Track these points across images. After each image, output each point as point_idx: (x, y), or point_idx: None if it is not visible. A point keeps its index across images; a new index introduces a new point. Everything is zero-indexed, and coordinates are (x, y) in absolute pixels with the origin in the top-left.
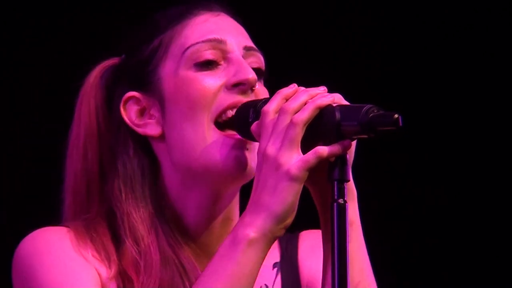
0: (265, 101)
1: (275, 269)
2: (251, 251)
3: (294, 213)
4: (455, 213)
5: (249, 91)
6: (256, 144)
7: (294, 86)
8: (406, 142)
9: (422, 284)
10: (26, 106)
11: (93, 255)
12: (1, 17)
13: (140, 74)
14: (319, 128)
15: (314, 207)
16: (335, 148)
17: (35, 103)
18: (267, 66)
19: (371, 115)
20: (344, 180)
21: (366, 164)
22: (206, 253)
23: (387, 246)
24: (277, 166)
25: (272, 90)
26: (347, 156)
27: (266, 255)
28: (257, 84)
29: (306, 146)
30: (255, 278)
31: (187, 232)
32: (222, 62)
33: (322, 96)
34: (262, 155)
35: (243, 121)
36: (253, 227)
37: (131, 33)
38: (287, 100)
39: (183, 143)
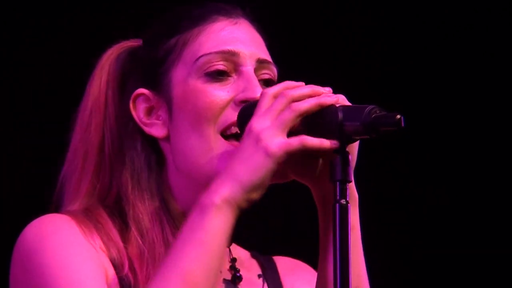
0: None
1: (261, 279)
2: (218, 218)
3: (262, 191)
4: (455, 213)
5: None
6: None
7: (300, 83)
8: (406, 142)
9: (422, 284)
10: (25, 105)
11: (100, 244)
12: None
13: (153, 72)
14: (322, 127)
15: (310, 208)
16: (321, 143)
17: (35, 102)
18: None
19: (373, 115)
20: (346, 180)
21: (366, 165)
22: None
23: (388, 247)
24: (257, 140)
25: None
26: (349, 157)
27: (233, 226)
28: None
29: None
30: (225, 248)
31: None
32: (233, 74)
33: (326, 96)
34: (248, 130)
35: (245, 121)
36: (218, 193)
37: (154, 22)
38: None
39: (188, 150)
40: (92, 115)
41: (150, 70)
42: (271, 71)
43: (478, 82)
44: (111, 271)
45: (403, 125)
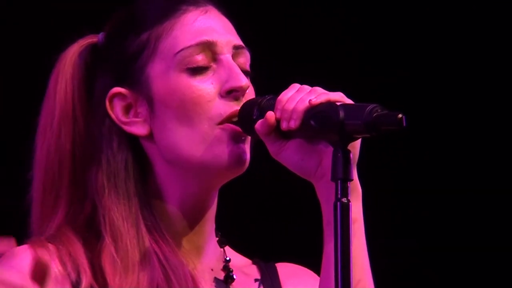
0: (269, 99)
1: (257, 282)
2: None
3: None
4: (455, 213)
5: (241, 97)
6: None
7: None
8: (407, 142)
9: (422, 283)
10: None
11: (59, 270)
12: None
13: (126, 69)
14: (323, 126)
15: (313, 206)
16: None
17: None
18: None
19: (375, 114)
20: (347, 179)
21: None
22: (195, 250)
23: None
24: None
25: (273, 90)
26: (351, 155)
27: None
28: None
29: (309, 143)
30: None
31: (175, 229)
32: (212, 64)
33: (330, 93)
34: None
35: (246, 119)
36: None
37: (116, 16)
38: None
39: (179, 142)
40: (61, 122)
41: (123, 67)
42: (247, 59)
43: (479, 82)
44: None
45: (404, 124)
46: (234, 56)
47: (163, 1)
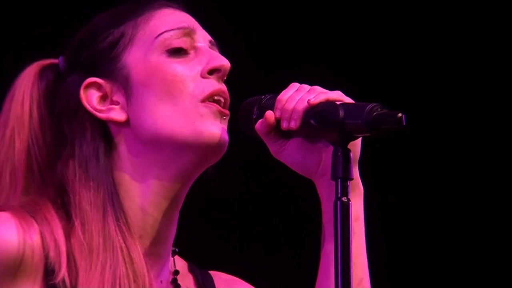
0: (270, 98)
1: None
2: None
3: None
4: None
5: (222, 80)
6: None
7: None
8: (407, 141)
9: (421, 283)
10: None
11: (38, 245)
12: None
13: (99, 62)
14: (323, 125)
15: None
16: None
17: None
18: None
19: (375, 113)
20: (347, 178)
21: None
22: (154, 254)
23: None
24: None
25: (272, 89)
26: (351, 154)
27: None
28: None
29: (309, 142)
30: None
31: (141, 224)
32: (191, 52)
33: (329, 92)
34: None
35: (247, 118)
36: None
37: (80, 31)
38: None
39: (159, 120)
40: (15, 130)
41: (96, 60)
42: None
43: (480, 82)
44: (52, 265)
45: (404, 123)
46: (209, 49)
47: (131, 5)
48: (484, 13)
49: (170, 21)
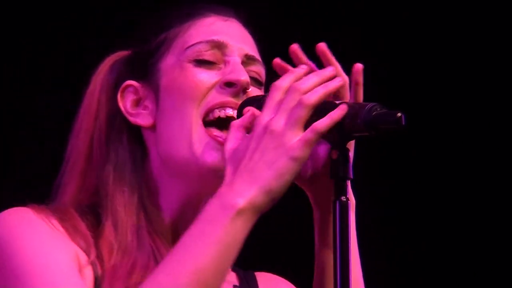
0: None
1: None
2: (239, 221)
3: (285, 191)
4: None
5: (241, 94)
6: None
7: (304, 67)
8: (407, 141)
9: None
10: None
11: (65, 234)
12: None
13: (142, 65)
14: None
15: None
16: (331, 118)
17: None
18: (267, 79)
19: (374, 113)
20: (346, 177)
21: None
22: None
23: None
24: (280, 143)
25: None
26: (350, 154)
27: (250, 229)
28: (250, 88)
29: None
30: (239, 251)
31: (165, 225)
32: (221, 64)
33: (331, 81)
34: (264, 127)
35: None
36: (244, 197)
37: (142, 25)
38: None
39: (170, 133)
40: (83, 121)
41: (140, 63)
42: (259, 70)
43: (480, 82)
44: (83, 257)
45: (403, 123)
46: (244, 63)
47: (186, 7)
48: (483, 13)
49: (204, 33)
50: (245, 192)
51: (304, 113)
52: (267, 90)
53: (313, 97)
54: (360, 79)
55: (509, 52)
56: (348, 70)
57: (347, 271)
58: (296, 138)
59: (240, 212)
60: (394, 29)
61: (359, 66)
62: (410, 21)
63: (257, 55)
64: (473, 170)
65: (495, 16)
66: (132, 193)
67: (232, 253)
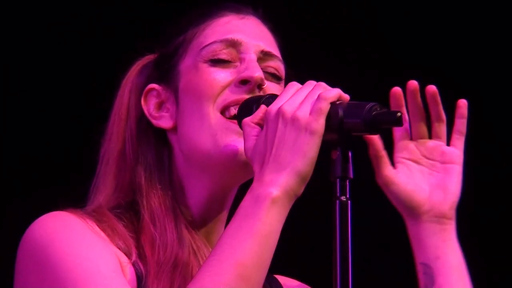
0: (269, 97)
1: None
2: (275, 210)
3: (313, 169)
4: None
5: (256, 90)
6: None
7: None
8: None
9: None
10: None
11: (104, 236)
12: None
13: (164, 67)
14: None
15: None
16: (336, 91)
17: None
18: (288, 74)
19: (374, 112)
20: (346, 177)
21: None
22: (210, 243)
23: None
24: (294, 120)
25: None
26: (350, 153)
27: (285, 217)
28: (266, 84)
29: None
30: (278, 238)
31: (195, 219)
32: (237, 62)
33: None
34: (277, 112)
35: (245, 116)
36: (276, 185)
37: (166, 29)
38: None
39: (190, 132)
40: (114, 124)
41: (161, 65)
42: (277, 66)
43: (480, 81)
44: (124, 258)
45: (403, 123)
46: (261, 61)
47: (203, 8)
48: (483, 12)
49: (219, 32)
50: (275, 181)
51: (325, 105)
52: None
53: (331, 94)
54: (465, 113)
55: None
56: (345, 68)
57: (347, 272)
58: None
59: (274, 201)
60: (393, 28)
61: (464, 102)
62: (410, 20)
63: (274, 51)
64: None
65: (494, 15)
66: (165, 191)
67: (271, 243)
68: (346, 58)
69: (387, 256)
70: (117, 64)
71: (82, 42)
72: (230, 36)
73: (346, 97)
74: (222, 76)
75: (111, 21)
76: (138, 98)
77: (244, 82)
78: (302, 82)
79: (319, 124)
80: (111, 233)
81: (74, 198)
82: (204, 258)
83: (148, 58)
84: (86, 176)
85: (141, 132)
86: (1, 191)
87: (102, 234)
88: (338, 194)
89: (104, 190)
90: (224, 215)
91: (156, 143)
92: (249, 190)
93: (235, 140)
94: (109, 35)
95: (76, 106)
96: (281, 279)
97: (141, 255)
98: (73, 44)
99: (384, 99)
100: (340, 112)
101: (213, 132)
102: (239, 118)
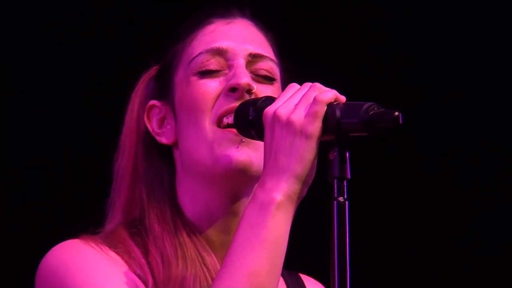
0: (265, 99)
1: None
2: (280, 215)
3: (314, 170)
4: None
5: (246, 96)
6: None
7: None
8: (404, 140)
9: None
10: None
11: (122, 263)
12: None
13: (161, 82)
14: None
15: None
16: (332, 92)
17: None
18: (283, 72)
19: (371, 112)
20: (344, 177)
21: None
22: (223, 253)
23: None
24: (290, 129)
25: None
26: (347, 154)
27: (291, 220)
28: (254, 88)
29: None
30: (287, 242)
31: (203, 233)
32: (226, 70)
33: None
34: (273, 116)
35: (243, 120)
36: (278, 191)
37: (165, 39)
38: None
39: (189, 145)
40: (126, 138)
41: (159, 79)
42: (268, 66)
43: (479, 81)
44: (140, 284)
45: (401, 122)
46: (250, 63)
47: (193, 17)
48: (482, 13)
49: (205, 42)
50: (276, 187)
51: (320, 108)
52: (284, 84)
53: (327, 96)
54: None
55: (509, 52)
56: (344, 69)
57: (345, 272)
58: (303, 115)
59: (278, 207)
60: (392, 28)
61: None
62: (410, 20)
63: (264, 52)
64: (473, 170)
65: (493, 16)
66: (163, 207)
67: (281, 249)
68: (345, 57)
69: (386, 256)
70: (117, 64)
71: (82, 42)
72: (215, 45)
73: (342, 98)
74: (212, 87)
75: (111, 21)
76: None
77: (232, 90)
78: (302, 79)
79: (315, 127)
80: (128, 259)
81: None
82: (214, 270)
83: (156, 69)
84: (86, 176)
85: (147, 147)
86: (1, 191)
87: (119, 260)
88: (335, 195)
89: (118, 206)
90: (235, 222)
91: (158, 159)
92: (252, 198)
93: (230, 149)
94: (109, 35)
95: (76, 106)
96: (307, 280)
97: (155, 279)
98: (73, 44)
99: (382, 99)
100: (338, 113)
101: (210, 144)
102: (236, 124)
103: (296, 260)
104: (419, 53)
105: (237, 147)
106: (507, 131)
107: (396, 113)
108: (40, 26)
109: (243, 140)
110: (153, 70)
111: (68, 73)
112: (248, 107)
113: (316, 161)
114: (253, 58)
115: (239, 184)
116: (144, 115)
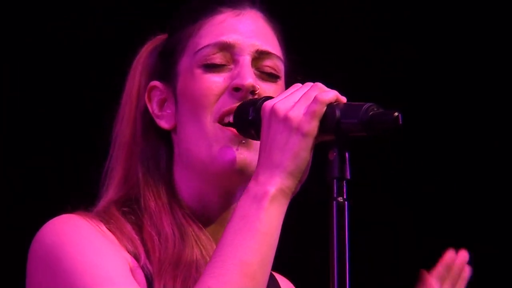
0: (265, 99)
1: None
2: (273, 207)
3: (309, 168)
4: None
5: (249, 96)
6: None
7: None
8: (404, 140)
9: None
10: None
11: (114, 238)
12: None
13: (165, 63)
14: (319, 125)
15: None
16: (332, 93)
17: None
18: (288, 70)
19: (371, 113)
20: (343, 178)
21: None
22: (215, 241)
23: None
24: (287, 125)
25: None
26: (346, 154)
27: (283, 214)
28: (258, 89)
29: None
30: (278, 235)
31: (198, 216)
32: (231, 65)
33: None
34: (270, 110)
35: (242, 120)
36: (271, 184)
37: (173, 15)
38: None
39: (188, 137)
40: (126, 106)
41: (162, 61)
42: (274, 64)
43: (479, 81)
44: (133, 261)
45: (401, 122)
46: (256, 60)
47: (203, 2)
48: (481, 13)
49: (213, 34)
50: (269, 180)
51: (320, 108)
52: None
53: (327, 95)
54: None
55: (508, 52)
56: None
57: (344, 273)
58: (302, 112)
59: (271, 200)
60: (392, 28)
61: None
62: (410, 20)
63: (271, 48)
64: (472, 170)
65: (493, 16)
66: (160, 188)
67: (273, 241)
68: (344, 56)
69: (385, 257)
70: (117, 64)
71: (82, 42)
72: (223, 39)
73: (343, 99)
74: (216, 83)
75: (111, 21)
76: (148, 81)
77: (236, 89)
78: (305, 73)
79: (311, 126)
80: (120, 235)
81: (77, 198)
82: (211, 250)
83: (160, 38)
84: (86, 176)
85: (145, 126)
86: (1, 191)
87: (111, 236)
88: (335, 195)
89: (114, 182)
90: (231, 209)
91: (156, 140)
92: (246, 190)
93: (229, 149)
94: (109, 35)
95: (76, 106)
96: (279, 277)
97: (149, 256)
98: (73, 44)
99: (381, 99)
100: (337, 113)
101: (209, 142)
102: (236, 123)
103: (296, 260)
104: (422, 46)
105: (237, 148)
106: (507, 131)
107: (396, 114)
108: (40, 26)
109: (243, 141)
110: (157, 39)
111: (68, 73)
112: (248, 107)
113: (311, 159)
114: (260, 54)
115: (235, 182)
116: (145, 83)
